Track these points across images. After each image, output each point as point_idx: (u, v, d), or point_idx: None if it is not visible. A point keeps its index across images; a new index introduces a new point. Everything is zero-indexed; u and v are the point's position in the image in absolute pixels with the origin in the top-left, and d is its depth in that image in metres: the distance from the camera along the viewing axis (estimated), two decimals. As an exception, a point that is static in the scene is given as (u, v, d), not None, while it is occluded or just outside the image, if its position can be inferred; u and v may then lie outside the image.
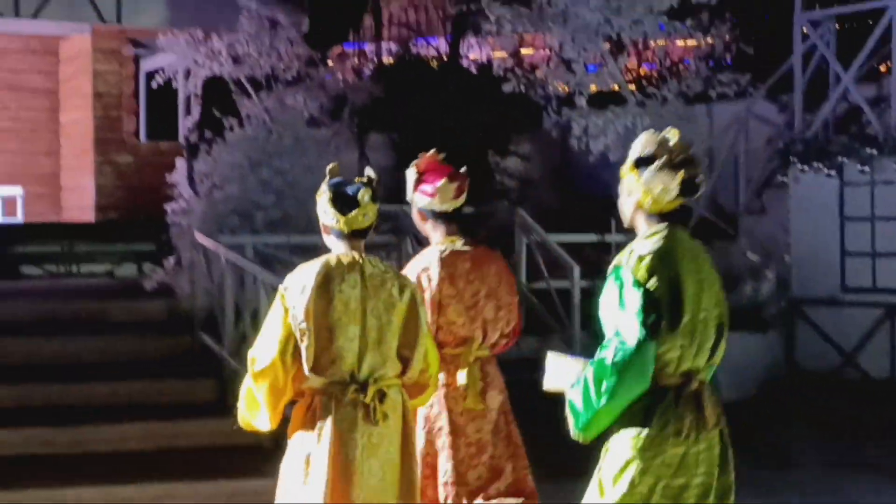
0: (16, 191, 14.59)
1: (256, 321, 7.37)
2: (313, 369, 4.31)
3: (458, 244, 5.45)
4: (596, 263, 12.44)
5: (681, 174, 4.02)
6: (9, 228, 13.58)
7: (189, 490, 7.24)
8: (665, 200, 4.06)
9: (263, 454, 6.42)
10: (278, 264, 9.90)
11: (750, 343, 11.13)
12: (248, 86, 13.09)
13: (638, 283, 3.92)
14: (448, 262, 5.38)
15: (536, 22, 11.73)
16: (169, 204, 11.47)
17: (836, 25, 12.05)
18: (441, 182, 5.30)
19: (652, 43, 13.49)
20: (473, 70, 18.22)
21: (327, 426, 4.31)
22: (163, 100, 14.43)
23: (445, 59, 19.00)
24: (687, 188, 4.03)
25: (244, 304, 8.58)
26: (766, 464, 8.51)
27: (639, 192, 4.10)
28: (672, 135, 4.10)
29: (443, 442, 5.39)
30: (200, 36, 13.09)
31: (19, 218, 14.44)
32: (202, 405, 8.38)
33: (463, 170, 5.48)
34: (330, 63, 16.17)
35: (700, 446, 3.98)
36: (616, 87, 12.24)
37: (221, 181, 10.97)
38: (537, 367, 11.88)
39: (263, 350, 4.37)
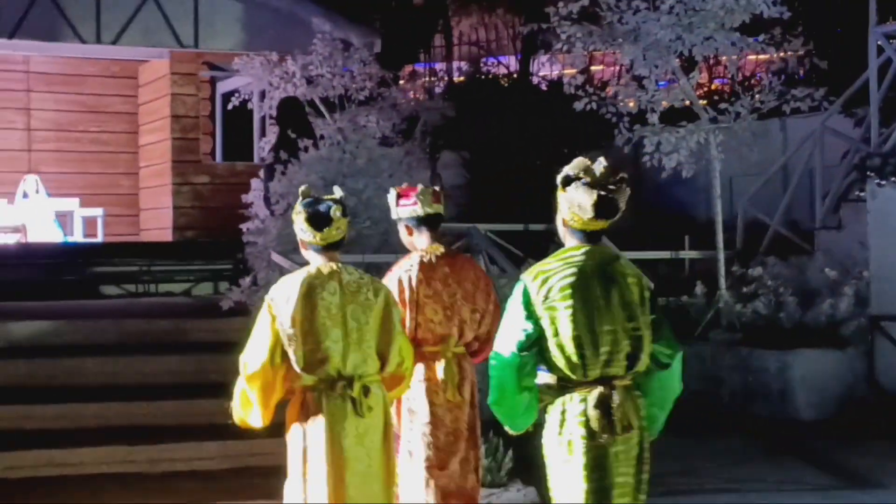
0: (97, 212, 14.88)
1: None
2: (305, 369, 4.80)
3: (440, 251, 5.97)
4: (670, 280, 12.41)
5: (595, 194, 4.33)
6: (90, 249, 13.85)
7: (266, 508, 7.32)
8: (583, 218, 4.39)
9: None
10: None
11: (829, 361, 11.00)
12: (321, 106, 13.24)
13: (527, 299, 4.35)
14: (427, 266, 5.88)
15: (607, 40, 11.70)
16: (245, 224, 11.64)
17: (912, 38, 11.91)
18: (419, 188, 5.90)
19: (723, 58, 13.40)
20: (543, 87, 18.26)
21: (320, 420, 4.80)
22: (238, 121, 14.66)
23: (515, 76, 19.06)
24: (603, 209, 4.35)
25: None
26: (847, 484, 8.41)
27: (564, 209, 4.46)
28: (601, 161, 4.43)
29: (423, 431, 5.83)
30: (275, 58, 13.27)
31: (100, 238, 14.73)
32: (279, 424, 8.46)
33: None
34: (401, 82, 16.30)
35: (618, 447, 4.33)
36: (688, 103, 12.18)
37: (296, 201, 11.08)
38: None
39: (254, 355, 4.86)
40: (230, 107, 13.79)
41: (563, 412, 4.38)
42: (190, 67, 14.63)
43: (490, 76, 19.22)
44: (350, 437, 4.81)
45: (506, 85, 18.54)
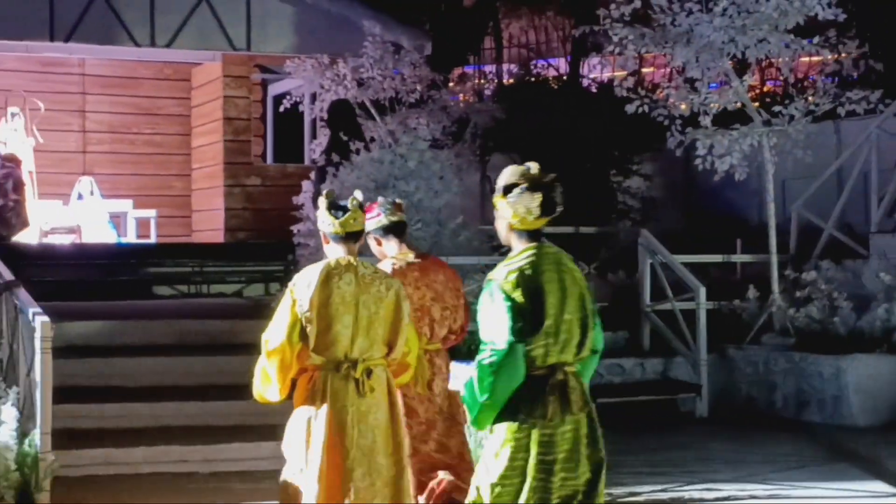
0: (150, 213, 15.02)
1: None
2: (315, 349, 5.20)
3: (410, 257, 6.38)
4: (722, 284, 12.35)
5: (539, 196, 4.72)
6: (143, 249, 13.98)
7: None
8: (530, 219, 4.76)
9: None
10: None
11: (883, 366, 10.89)
12: (372, 109, 13.30)
13: (506, 296, 4.67)
14: (398, 271, 6.25)
15: (659, 42, 11.65)
16: (295, 225, 11.71)
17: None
18: (380, 201, 6.36)
19: (776, 60, 13.31)
20: (593, 89, 18.20)
21: (325, 397, 5.20)
22: (289, 123, 14.74)
23: (565, 78, 19.01)
24: (546, 207, 4.74)
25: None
26: (901, 491, 8.33)
27: (508, 215, 4.79)
28: (532, 165, 4.79)
29: None
30: (326, 61, 13.34)
31: (153, 239, 14.86)
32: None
33: None
34: (451, 85, 16.32)
35: (566, 427, 4.69)
36: (740, 106, 12.10)
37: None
38: (663, 388, 11.77)
39: (274, 334, 5.26)
40: (281, 109, 13.88)
41: (521, 395, 4.67)
42: (242, 70, 14.73)
43: (540, 78, 19.18)
44: (351, 414, 5.19)
45: (555, 87, 18.49)
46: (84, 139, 15.97)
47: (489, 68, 19.94)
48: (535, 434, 4.66)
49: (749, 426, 10.76)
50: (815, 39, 11.70)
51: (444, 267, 6.58)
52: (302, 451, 5.22)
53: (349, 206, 5.33)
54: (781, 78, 14.86)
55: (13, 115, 14.12)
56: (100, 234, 14.46)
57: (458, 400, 6.18)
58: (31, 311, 7.78)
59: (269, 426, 8.46)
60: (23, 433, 7.28)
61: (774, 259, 11.92)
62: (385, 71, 13.36)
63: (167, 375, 9.38)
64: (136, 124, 16.08)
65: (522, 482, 4.66)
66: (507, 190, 4.77)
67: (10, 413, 7.20)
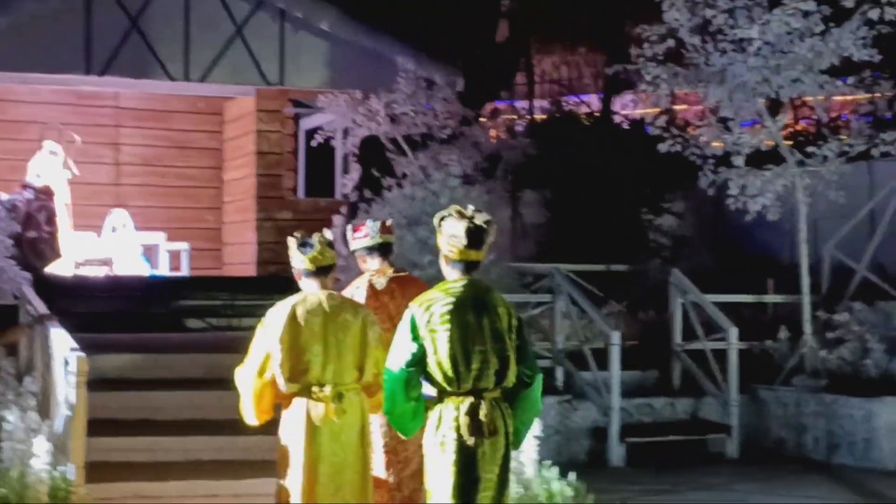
0: (182, 246, 15.10)
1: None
2: (290, 378, 5.76)
3: (389, 273, 6.75)
4: (753, 324, 12.28)
5: (465, 223, 5.24)
6: (175, 282, 14.05)
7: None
8: (458, 248, 5.25)
9: None
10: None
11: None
12: (404, 144, 13.36)
13: (413, 325, 5.18)
14: (373, 284, 6.69)
15: (693, 81, 11.67)
16: (327, 260, 11.71)
17: None
18: (368, 223, 6.74)
19: (809, 98, 13.27)
20: (625, 126, 18.21)
21: (301, 419, 5.76)
22: (321, 157, 14.80)
23: (597, 115, 19.04)
24: (474, 237, 5.23)
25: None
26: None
27: (444, 245, 5.30)
28: (469, 207, 5.36)
29: (380, 422, 6.40)
30: (359, 96, 13.42)
31: (185, 272, 14.93)
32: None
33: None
34: (483, 120, 16.36)
35: (485, 448, 5.17)
36: (771, 144, 12.05)
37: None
38: (693, 428, 11.69)
39: (247, 370, 5.90)
40: (314, 143, 13.96)
41: (440, 417, 5.23)
42: (275, 104, 14.83)
43: (571, 114, 19.21)
44: (325, 434, 5.73)
45: (587, 123, 18.52)
46: (117, 171, 16.10)
47: (521, 104, 20.00)
48: (452, 451, 5.16)
49: (779, 468, 10.68)
50: (850, 80, 11.67)
51: (420, 283, 6.88)
52: (285, 469, 5.86)
53: (316, 243, 5.88)
54: (814, 118, 14.80)
55: (52, 152, 14.24)
56: (132, 266, 14.55)
57: None
58: (65, 345, 7.83)
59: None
60: (55, 466, 7.31)
61: (807, 300, 11.86)
62: (417, 106, 13.43)
63: (198, 409, 9.38)
64: (169, 157, 16.20)
65: (455, 495, 5.16)
66: (440, 220, 5.32)
67: (43, 446, 7.23)
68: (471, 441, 5.13)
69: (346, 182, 13.78)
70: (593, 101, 20.01)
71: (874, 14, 11.13)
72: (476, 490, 5.15)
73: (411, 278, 6.94)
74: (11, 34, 13.38)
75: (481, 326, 5.21)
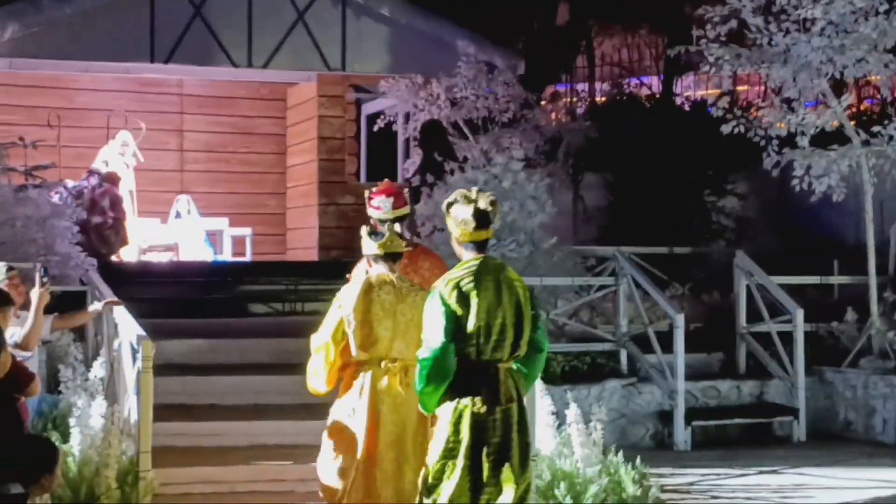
0: (245, 231, 15.23)
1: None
2: (360, 347, 6.07)
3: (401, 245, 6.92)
4: (819, 306, 12.15)
5: (472, 207, 5.58)
6: (238, 267, 14.17)
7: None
8: (469, 230, 5.60)
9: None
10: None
11: None
12: (465, 128, 13.35)
13: (444, 302, 5.52)
14: None
15: (756, 62, 11.52)
16: (389, 244, 11.74)
17: None
18: (380, 199, 6.84)
19: (874, 78, 13.06)
20: (686, 108, 18.02)
21: (367, 387, 6.07)
22: (382, 142, 14.85)
23: (658, 96, 18.86)
24: (480, 219, 5.58)
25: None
26: None
27: (454, 229, 5.66)
28: (475, 189, 5.76)
29: None
30: (420, 81, 13.43)
31: (248, 257, 15.06)
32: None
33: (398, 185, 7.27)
34: (543, 103, 16.29)
35: (496, 415, 5.49)
36: (837, 124, 11.89)
37: (442, 223, 11.18)
38: (759, 411, 11.57)
39: (321, 334, 6.20)
40: (375, 128, 14.00)
41: (459, 386, 5.51)
42: (337, 90, 14.89)
43: (632, 96, 19.05)
44: (387, 404, 6.03)
45: (648, 105, 18.36)
46: (181, 158, 16.27)
47: (581, 87, 19.87)
48: (467, 420, 5.48)
49: (847, 451, 10.57)
50: (916, 58, 11.47)
51: (431, 255, 7.12)
52: (347, 424, 6.10)
53: (386, 231, 6.23)
54: (879, 97, 14.58)
55: (123, 143, 14.42)
56: (197, 251, 14.70)
57: None
58: (132, 331, 7.93)
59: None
60: (123, 450, 7.42)
61: (873, 281, 11.70)
62: (478, 90, 13.42)
63: (262, 394, 9.49)
64: (233, 143, 16.35)
65: (456, 463, 5.48)
66: (449, 206, 5.65)
67: (111, 431, 7.33)
68: (483, 409, 5.46)
69: (407, 167, 13.81)
70: (654, 83, 19.82)
71: (941, -9, 10.94)
72: (481, 453, 5.47)
73: (423, 250, 7.12)
74: (76, 23, 13.57)
75: (500, 300, 5.54)
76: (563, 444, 7.81)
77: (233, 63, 14.21)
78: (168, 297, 12.11)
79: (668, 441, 10.79)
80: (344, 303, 6.13)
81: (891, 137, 11.51)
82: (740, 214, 15.30)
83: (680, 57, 12.70)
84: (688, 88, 19.26)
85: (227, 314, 11.94)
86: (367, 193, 6.95)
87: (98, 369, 8.35)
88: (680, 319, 10.68)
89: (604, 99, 19.09)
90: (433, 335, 5.52)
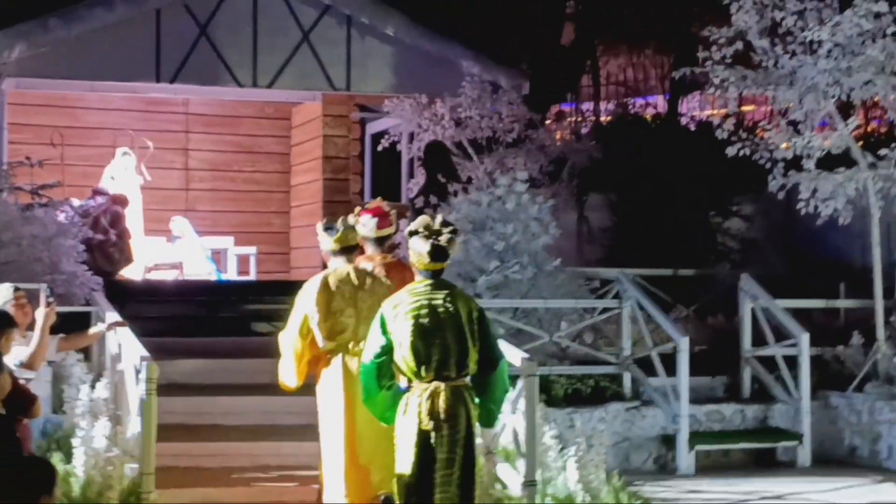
0: (250, 250, 15.23)
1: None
2: (327, 337, 6.60)
3: (377, 260, 7.22)
4: (825, 329, 12.10)
5: (430, 244, 5.85)
6: (243, 286, 14.16)
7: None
8: (425, 262, 5.89)
9: None
10: (500, 328, 9.98)
11: None
12: (469, 148, 13.34)
13: (382, 321, 5.86)
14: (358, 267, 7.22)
15: (762, 84, 11.51)
16: (393, 265, 11.73)
17: None
18: (366, 217, 7.20)
19: (879, 98, 13.04)
20: (692, 127, 18.01)
21: (338, 372, 6.60)
22: (387, 162, 14.86)
23: (663, 116, 18.87)
24: (436, 255, 5.87)
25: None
26: None
27: (412, 255, 5.95)
28: (438, 218, 6.01)
29: None
30: (425, 100, 13.45)
31: (252, 276, 15.06)
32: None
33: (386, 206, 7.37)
34: (548, 123, 16.29)
35: (443, 432, 5.75)
36: (844, 147, 11.85)
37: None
38: (763, 436, 11.50)
39: (289, 332, 6.70)
40: (380, 148, 14.01)
41: (407, 403, 5.85)
42: (341, 109, 14.92)
43: (637, 116, 19.05)
44: (358, 384, 6.25)
45: (653, 125, 18.35)
46: (187, 177, 16.30)
47: (586, 106, 19.88)
48: (414, 436, 5.75)
49: (852, 477, 10.51)
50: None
51: (405, 268, 7.18)
52: (329, 416, 6.66)
53: (338, 226, 6.72)
54: (886, 118, 14.54)
55: (124, 153, 14.45)
56: (201, 270, 14.69)
57: None
58: (136, 352, 7.92)
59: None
60: (126, 471, 7.40)
61: (880, 305, 11.66)
62: (482, 110, 13.43)
63: (266, 414, 9.47)
64: (238, 162, 16.38)
65: (412, 474, 5.75)
66: (412, 234, 5.94)
67: (114, 452, 7.32)
68: (429, 425, 5.72)
69: (411, 186, 13.81)
70: (659, 103, 19.84)
71: (948, 14, 10.92)
72: (432, 469, 5.72)
73: (400, 263, 7.36)
74: (83, 43, 13.61)
75: (441, 321, 5.81)
76: (563, 468, 7.78)
77: (238, 83, 14.24)
78: (172, 315, 12.12)
79: (671, 465, 10.73)
80: (306, 299, 6.60)
81: (897, 160, 11.49)
82: (746, 236, 15.27)
83: (685, 77, 12.70)
84: (693, 108, 19.26)
85: (232, 333, 11.94)
86: (357, 209, 7.31)
87: (102, 390, 8.33)
88: (684, 343, 10.63)
89: (609, 119, 19.10)
90: (366, 352, 5.93)
